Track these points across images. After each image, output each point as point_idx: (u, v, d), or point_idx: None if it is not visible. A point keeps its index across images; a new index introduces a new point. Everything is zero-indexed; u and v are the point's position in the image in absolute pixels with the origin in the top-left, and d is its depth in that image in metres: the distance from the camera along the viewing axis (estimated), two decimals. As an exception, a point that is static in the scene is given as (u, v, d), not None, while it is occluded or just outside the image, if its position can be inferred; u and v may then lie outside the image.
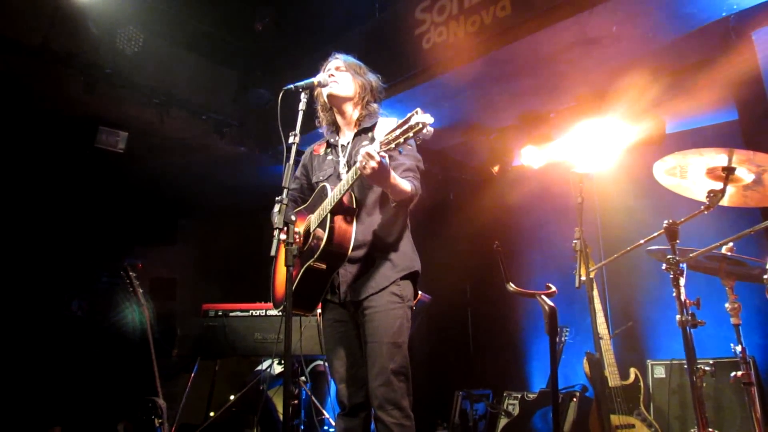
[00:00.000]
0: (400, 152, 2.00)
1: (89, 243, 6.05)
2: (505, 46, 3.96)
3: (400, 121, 1.95)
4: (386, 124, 2.02)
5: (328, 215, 2.28)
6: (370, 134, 2.46)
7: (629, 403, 3.82)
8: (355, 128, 2.58)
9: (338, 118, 2.64)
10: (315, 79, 2.48)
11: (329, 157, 2.61)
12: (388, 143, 1.97)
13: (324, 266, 2.33)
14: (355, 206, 2.36)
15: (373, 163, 2.05)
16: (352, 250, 2.30)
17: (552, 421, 2.29)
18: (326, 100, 2.57)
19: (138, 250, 6.50)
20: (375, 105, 2.61)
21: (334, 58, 2.63)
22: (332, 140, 2.65)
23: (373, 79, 2.64)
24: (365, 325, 2.34)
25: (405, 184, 2.28)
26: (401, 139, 1.93)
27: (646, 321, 4.80)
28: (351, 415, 2.37)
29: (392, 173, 2.20)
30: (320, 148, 2.70)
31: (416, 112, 1.89)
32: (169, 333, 4.56)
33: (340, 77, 2.53)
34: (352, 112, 2.59)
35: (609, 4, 3.45)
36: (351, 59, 2.65)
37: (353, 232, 2.32)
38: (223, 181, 6.55)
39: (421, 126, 1.87)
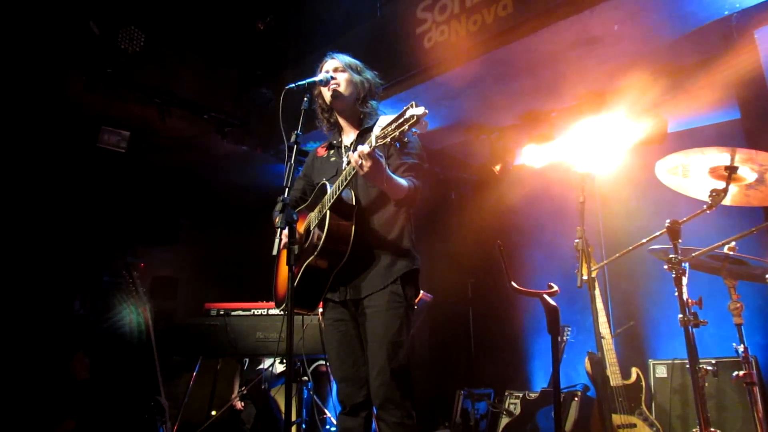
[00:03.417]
0: (396, 146, 2.00)
1: (91, 242, 6.06)
2: (507, 46, 3.96)
3: (396, 115, 1.96)
4: (385, 121, 2.02)
5: (327, 212, 2.28)
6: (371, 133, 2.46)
7: (631, 402, 3.81)
8: (357, 128, 2.58)
9: (339, 118, 2.64)
10: (316, 78, 2.47)
11: (332, 159, 2.61)
12: (384, 137, 1.98)
13: (324, 264, 2.33)
14: (354, 203, 2.36)
15: (367, 161, 2.05)
16: (352, 247, 2.30)
17: (554, 421, 2.28)
18: (328, 101, 2.56)
19: (140, 249, 6.53)
20: (374, 102, 2.60)
21: (331, 58, 2.61)
22: (335, 141, 2.65)
23: (370, 76, 2.62)
24: (366, 324, 2.34)
25: (402, 183, 2.28)
26: (396, 133, 1.94)
27: (648, 320, 4.80)
28: (352, 415, 2.37)
29: (388, 172, 2.19)
30: (324, 151, 2.70)
31: (411, 105, 1.90)
32: (171, 333, 4.57)
33: (339, 78, 2.52)
34: (353, 111, 2.59)
35: (610, 3, 3.45)
36: (347, 58, 2.62)
37: (352, 230, 2.32)
38: (225, 180, 6.56)
39: (415, 119, 1.88)
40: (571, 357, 4.84)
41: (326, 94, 2.53)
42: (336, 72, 2.53)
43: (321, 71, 2.56)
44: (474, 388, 5.21)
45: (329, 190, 2.33)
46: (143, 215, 6.64)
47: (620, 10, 3.55)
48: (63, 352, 5.02)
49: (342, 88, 2.50)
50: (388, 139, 1.96)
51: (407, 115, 1.90)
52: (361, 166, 2.08)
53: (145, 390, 4.11)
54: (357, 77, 2.56)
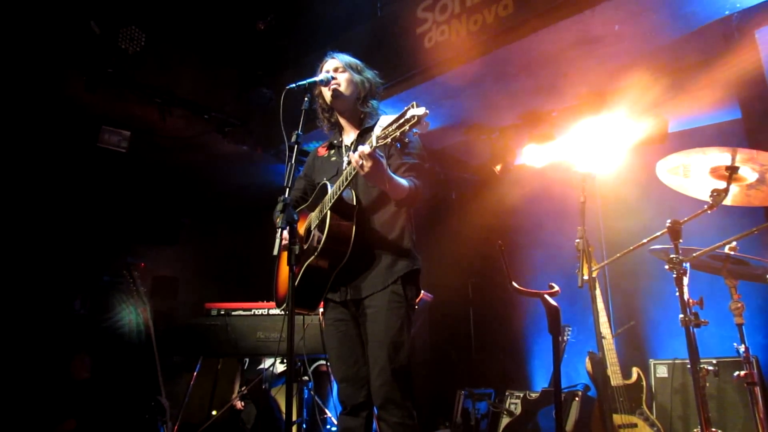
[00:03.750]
0: (397, 146, 2.00)
1: (92, 242, 6.07)
2: (507, 45, 3.95)
3: (397, 115, 1.96)
4: (385, 121, 2.02)
5: (328, 212, 2.28)
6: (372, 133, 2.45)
7: (632, 402, 3.81)
8: (358, 128, 2.58)
9: (340, 118, 2.63)
10: (317, 78, 2.47)
11: (333, 159, 2.61)
12: (385, 138, 1.98)
13: (325, 264, 2.33)
14: (355, 203, 2.36)
15: (368, 162, 2.05)
16: (353, 247, 2.30)
17: (554, 421, 2.28)
18: (329, 101, 2.56)
19: (140, 249, 6.53)
20: (374, 102, 2.60)
21: (331, 57, 2.60)
22: (335, 141, 2.65)
23: (371, 76, 2.61)
24: (366, 324, 2.34)
25: (403, 184, 2.28)
26: (397, 133, 1.94)
27: (649, 320, 4.79)
28: (353, 415, 2.37)
29: (389, 172, 2.19)
30: (324, 150, 2.69)
31: (412, 106, 1.90)
32: (171, 333, 4.57)
33: (340, 78, 2.52)
34: (354, 111, 2.58)
35: (611, 3, 3.44)
36: (348, 57, 2.61)
37: (353, 230, 2.31)
38: (226, 180, 6.56)
39: (416, 119, 1.88)
40: (572, 357, 4.84)
41: (327, 94, 2.53)
42: (336, 72, 2.53)
43: (321, 71, 2.56)
44: (474, 387, 5.21)
45: (330, 190, 2.33)
46: (144, 215, 6.65)
47: (621, 9, 3.54)
48: (64, 352, 5.02)
49: (342, 88, 2.50)
50: (389, 140, 1.96)
51: (408, 115, 1.90)
52: (361, 166, 2.08)
53: (146, 390, 4.12)
54: (357, 77, 2.55)
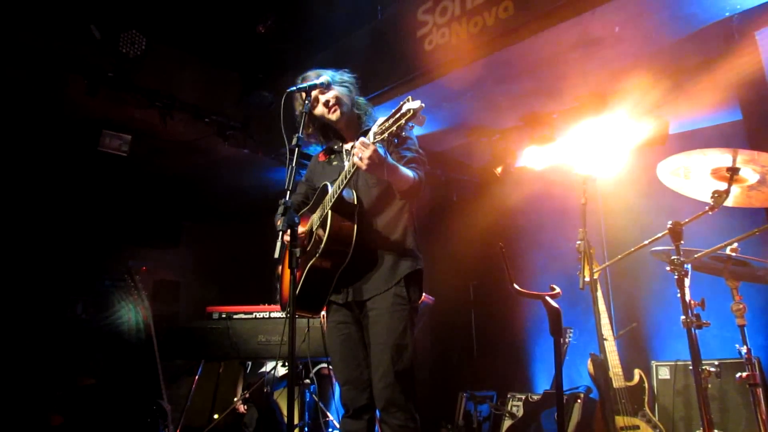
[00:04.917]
0: (395, 142, 2.00)
1: (93, 246, 6.07)
2: (508, 48, 3.95)
3: (392, 111, 1.96)
4: (382, 119, 2.02)
5: (329, 212, 2.28)
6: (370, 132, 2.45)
7: (634, 404, 3.80)
8: (357, 130, 2.57)
9: (339, 129, 2.63)
10: (317, 81, 2.46)
11: (334, 163, 2.61)
12: (382, 133, 1.98)
13: (327, 265, 2.33)
14: (356, 203, 2.35)
15: (367, 153, 2.04)
16: (355, 248, 2.30)
17: (556, 423, 2.28)
18: (334, 119, 2.52)
19: (141, 252, 6.53)
20: (361, 99, 2.60)
21: (311, 80, 2.46)
22: (336, 146, 2.64)
23: (347, 78, 2.59)
24: (369, 326, 2.34)
25: (407, 172, 2.27)
26: (393, 128, 1.94)
27: (651, 322, 4.79)
28: (355, 417, 2.37)
29: (391, 160, 2.18)
30: (324, 156, 2.69)
31: (407, 100, 1.90)
32: (173, 337, 4.56)
33: (330, 96, 2.49)
34: (352, 117, 2.58)
35: (611, 4, 3.45)
36: (326, 72, 2.55)
37: (354, 230, 2.31)
38: (227, 183, 6.57)
39: (412, 112, 1.88)
40: (574, 359, 4.82)
41: (330, 115, 2.51)
42: (323, 94, 2.49)
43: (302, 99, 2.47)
44: (476, 390, 5.20)
45: (330, 191, 2.33)
46: (145, 218, 6.65)
47: (621, 11, 3.55)
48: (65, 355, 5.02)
49: (341, 104, 2.50)
50: (386, 134, 1.97)
51: (404, 109, 1.91)
52: (360, 159, 2.07)
53: (148, 393, 4.11)
54: (342, 89, 2.54)
